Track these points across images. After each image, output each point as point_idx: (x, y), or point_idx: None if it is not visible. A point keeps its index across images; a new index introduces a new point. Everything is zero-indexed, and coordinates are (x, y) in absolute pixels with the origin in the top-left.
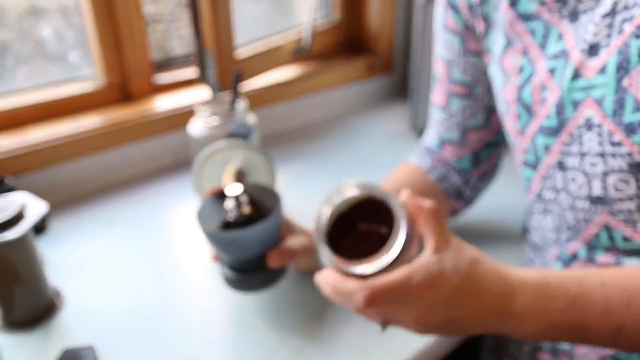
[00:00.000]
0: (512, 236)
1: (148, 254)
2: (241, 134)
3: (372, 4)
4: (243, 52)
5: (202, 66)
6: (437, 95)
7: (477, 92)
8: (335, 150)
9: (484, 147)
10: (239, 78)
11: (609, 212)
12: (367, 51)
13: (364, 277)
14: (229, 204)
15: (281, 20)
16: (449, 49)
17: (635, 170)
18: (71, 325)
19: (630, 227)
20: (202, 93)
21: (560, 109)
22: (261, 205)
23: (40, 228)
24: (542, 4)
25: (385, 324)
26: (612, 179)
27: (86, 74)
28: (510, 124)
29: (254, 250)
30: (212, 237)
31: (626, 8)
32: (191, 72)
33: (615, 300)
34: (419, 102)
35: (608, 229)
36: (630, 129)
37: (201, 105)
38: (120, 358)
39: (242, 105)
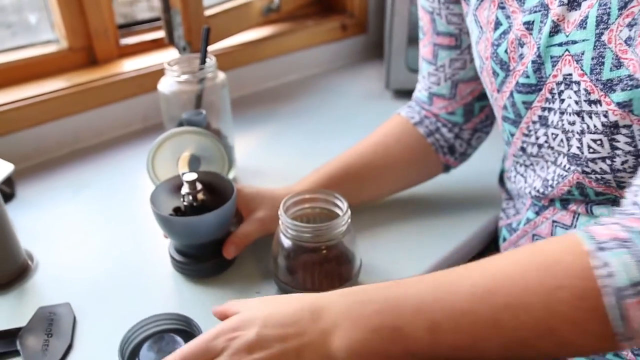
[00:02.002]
0: (490, 184)
1: (119, 217)
2: (194, 122)
3: None
4: (212, 11)
5: (170, 27)
6: (424, 47)
7: (464, 42)
8: (310, 111)
9: (475, 100)
10: (208, 34)
11: (582, 172)
12: (339, 11)
13: None
14: (184, 189)
15: None
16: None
17: (609, 131)
18: (45, 286)
19: (602, 185)
20: (170, 55)
21: (537, 66)
22: (216, 192)
23: (8, 194)
24: None
25: None
26: (587, 138)
27: (49, 38)
28: (486, 79)
29: (206, 236)
30: (165, 221)
31: None
32: (159, 35)
33: (426, 296)
34: (392, 62)
35: (580, 186)
36: (608, 87)
37: (170, 64)
38: (95, 315)
39: (212, 62)
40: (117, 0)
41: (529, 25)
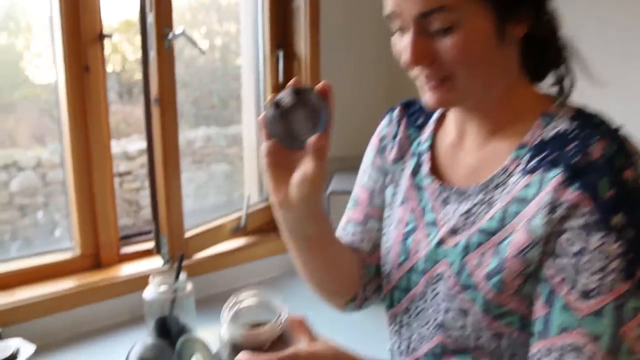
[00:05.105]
0: None
1: None
2: None
3: None
4: (190, 232)
5: (158, 244)
6: (354, 213)
7: None
8: None
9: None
10: (182, 259)
11: (445, 335)
12: None
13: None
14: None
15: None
16: (374, 181)
17: (463, 313)
18: None
19: (458, 345)
20: (157, 262)
21: (426, 260)
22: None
23: None
24: (431, 184)
25: None
26: (449, 314)
27: (66, 246)
28: (392, 256)
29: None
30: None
31: (475, 214)
32: (150, 245)
33: None
34: None
35: (442, 345)
36: (464, 287)
37: (153, 277)
38: None
39: (183, 277)
40: (123, 188)
41: (427, 233)
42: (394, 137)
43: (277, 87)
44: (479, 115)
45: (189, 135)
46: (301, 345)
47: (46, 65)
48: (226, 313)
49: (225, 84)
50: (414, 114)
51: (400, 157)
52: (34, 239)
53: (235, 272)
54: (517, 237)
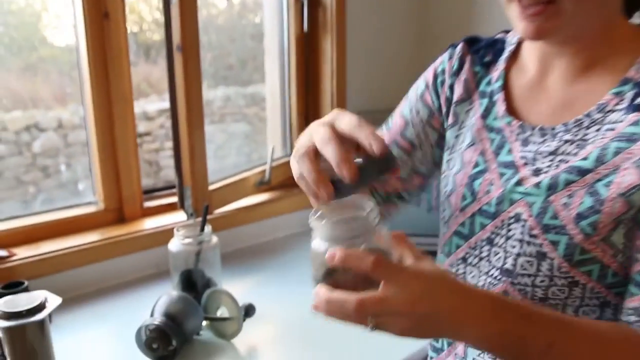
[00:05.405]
0: None
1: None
2: None
3: None
4: (214, 185)
5: (181, 197)
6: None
7: (416, 154)
8: (290, 264)
9: (394, 194)
10: (207, 211)
11: (511, 282)
12: None
13: None
14: None
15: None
16: (414, 113)
17: (539, 258)
18: None
19: (522, 295)
20: (181, 216)
21: (499, 201)
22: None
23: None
24: (509, 124)
25: (375, 323)
26: (521, 259)
27: (90, 200)
28: (454, 200)
29: None
30: None
31: (563, 153)
32: (174, 199)
33: (552, 323)
34: None
35: (505, 293)
36: (545, 229)
37: (178, 229)
38: None
39: (208, 229)
40: (143, 148)
41: (501, 174)
42: (455, 73)
43: (302, 37)
44: (571, 49)
45: (208, 95)
46: (408, 261)
47: (65, 26)
48: (315, 222)
49: (244, 44)
50: (479, 51)
51: (467, 97)
52: (58, 199)
53: (259, 227)
54: (622, 176)
